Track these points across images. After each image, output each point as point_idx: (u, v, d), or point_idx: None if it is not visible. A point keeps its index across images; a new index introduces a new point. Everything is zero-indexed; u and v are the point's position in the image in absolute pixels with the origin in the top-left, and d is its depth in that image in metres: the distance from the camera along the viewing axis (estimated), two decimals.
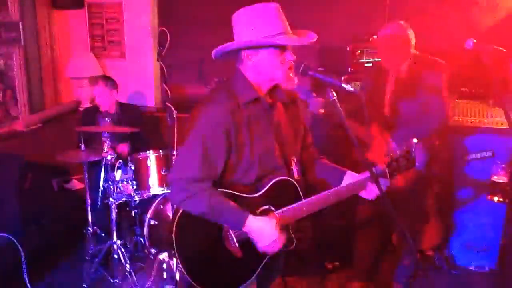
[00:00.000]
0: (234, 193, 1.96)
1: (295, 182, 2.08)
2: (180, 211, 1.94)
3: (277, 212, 2.00)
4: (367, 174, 2.08)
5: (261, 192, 2.00)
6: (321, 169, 2.26)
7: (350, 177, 2.14)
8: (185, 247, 1.94)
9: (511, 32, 4.17)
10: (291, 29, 1.97)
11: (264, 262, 2.05)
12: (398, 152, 2.17)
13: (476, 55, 2.52)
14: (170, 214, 3.33)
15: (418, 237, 3.73)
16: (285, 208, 2.01)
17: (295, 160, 2.11)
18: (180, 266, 1.96)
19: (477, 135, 3.56)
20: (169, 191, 3.46)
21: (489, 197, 2.89)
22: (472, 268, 3.78)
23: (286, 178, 2.06)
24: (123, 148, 3.98)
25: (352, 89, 1.85)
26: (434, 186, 3.50)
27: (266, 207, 2.02)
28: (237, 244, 1.97)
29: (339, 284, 3.60)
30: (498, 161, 3.01)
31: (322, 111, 3.18)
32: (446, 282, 3.66)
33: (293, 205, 2.02)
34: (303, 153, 2.23)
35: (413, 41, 3.12)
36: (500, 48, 2.53)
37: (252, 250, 1.99)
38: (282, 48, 1.91)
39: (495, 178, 2.87)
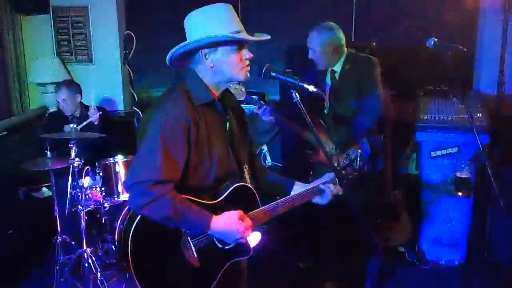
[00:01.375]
0: (194, 200, 1.89)
1: (254, 189, 2.07)
2: (135, 222, 1.83)
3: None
4: (316, 182, 2.16)
5: (221, 198, 1.96)
6: (268, 179, 2.28)
7: (299, 187, 2.19)
8: (142, 262, 1.84)
9: (472, 30, 4.29)
10: (251, 31, 1.96)
11: (223, 269, 2.00)
12: (344, 161, 2.27)
13: (437, 54, 2.57)
14: None
15: (388, 234, 3.78)
16: (254, 212, 2.01)
17: (247, 168, 2.11)
18: (136, 281, 1.85)
19: (443, 132, 3.63)
20: None
21: (454, 192, 2.95)
22: (442, 262, 3.85)
23: (246, 184, 2.04)
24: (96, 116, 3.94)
25: (314, 90, 1.87)
26: (402, 183, 3.56)
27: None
28: (195, 254, 1.92)
29: (312, 283, 3.62)
30: (461, 158, 3.07)
31: (272, 118, 3.21)
32: (417, 277, 3.72)
33: (253, 211, 2.02)
34: (252, 161, 2.23)
35: (343, 41, 3.20)
36: (460, 46, 2.59)
37: (211, 259, 1.96)
38: (240, 45, 1.89)
39: (459, 174, 2.93)
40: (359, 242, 3.22)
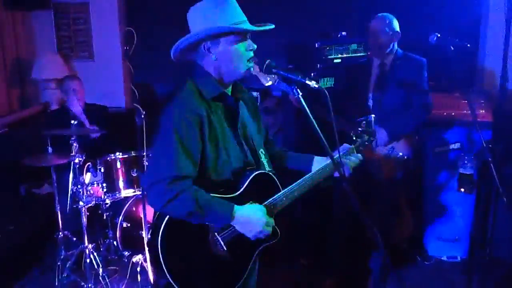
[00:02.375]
0: (215, 196, 1.89)
1: (272, 174, 2.07)
2: (163, 225, 1.82)
3: (266, 204, 2.00)
4: (335, 154, 2.09)
5: (241, 190, 1.96)
6: (288, 159, 2.28)
7: (319, 161, 2.18)
8: (174, 262, 1.84)
9: (475, 25, 4.26)
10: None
11: (254, 256, 2.03)
12: (359, 129, 2.29)
13: (440, 49, 2.56)
14: (142, 216, 3.28)
15: (391, 230, 3.77)
16: (269, 200, 2.01)
17: (264, 153, 2.11)
18: (172, 283, 1.85)
19: (445, 128, 3.62)
20: (139, 192, 3.47)
21: (457, 188, 2.94)
22: (444, 258, 3.84)
23: (263, 171, 2.04)
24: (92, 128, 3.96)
25: (316, 86, 1.85)
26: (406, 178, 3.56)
27: (248, 203, 1.98)
28: (225, 247, 1.92)
29: (314, 279, 3.62)
30: (464, 154, 3.06)
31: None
32: (420, 273, 3.71)
33: (275, 196, 2.03)
34: (268, 146, 2.24)
35: (397, 34, 3.25)
36: (463, 42, 2.58)
37: (241, 249, 1.97)
38: (243, 36, 1.88)
39: (462, 170, 2.92)
40: (362, 238, 3.23)
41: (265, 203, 2.00)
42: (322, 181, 2.14)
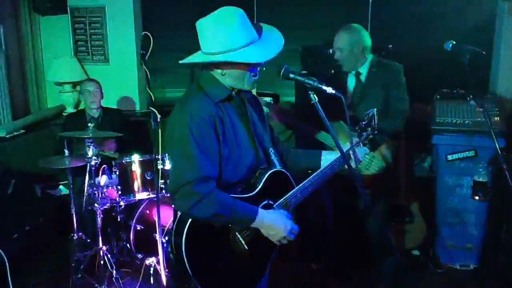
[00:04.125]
0: (232, 196, 1.93)
1: (285, 172, 2.11)
2: (186, 227, 1.85)
3: (277, 203, 2.04)
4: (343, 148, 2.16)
5: (257, 189, 1.99)
6: (296, 157, 2.33)
7: (327, 155, 2.25)
8: (198, 263, 1.88)
9: (489, 33, 4.24)
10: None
11: (275, 251, 2.07)
12: (363, 123, 2.36)
13: (455, 57, 2.56)
14: (155, 219, 3.31)
15: (404, 236, 3.77)
16: (285, 197, 2.05)
17: (273, 151, 2.15)
18: (197, 284, 1.90)
19: (459, 135, 3.60)
20: (153, 195, 3.50)
21: (471, 196, 2.93)
22: (456, 266, 3.81)
23: (278, 169, 2.07)
24: (111, 145, 3.98)
25: (333, 91, 1.87)
26: (418, 186, 3.55)
27: (265, 202, 2.03)
28: (246, 246, 1.96)
29: (325, 284, 3.62)
30: (479, 161, 3.05)
31: (278, 119, 3.39)
32: (431, 281, 3.69)
33: (290, 193, 2.07)
34: (276, 144, 2.28)
35: (368, 43, 3.22)
36: (478, 49, 2.58)
37: (262, 245, 2.01)
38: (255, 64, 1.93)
39: (476, 178, 2.91)
40: (374, 243, 3.23)
41: (280, 200, 2.04)
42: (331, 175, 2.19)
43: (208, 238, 1.91)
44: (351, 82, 3.34)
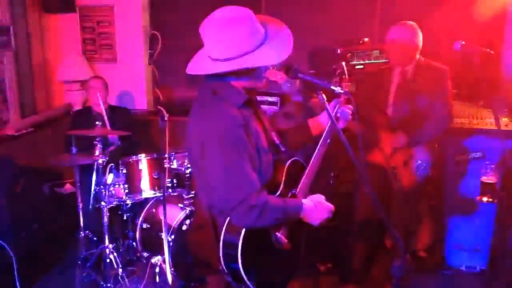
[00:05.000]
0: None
1: (297, 158, 2.13)
2: (240, 241, 1.87)
3: (299, 190, 2.08)
4: (328, 109, 2.11)
5: (281, 187, 2.02)
6: (289, 135, 2.32)
7: (313, 122, 2.26)
8: (255, 272, 1.92)
9: (499, 33, 4.21)
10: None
11: (304, 242, 2.15)
12: (337, 71, 2.25)
13: (464, 57, 2.55)
14: (162, 218, 3.31)
15: (411, 238, 3.75)
16: (302, 180, 2.09)
17: (275, 135, 2.15)
18: None
19: (467, 136, 3.58)
20: (160, 194, 3.50)
21: (478, 197, 2.91)
22: (463, 268, 3.80)
23: (291, 160, 2.09)
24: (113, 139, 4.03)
25: (341, 91, 1.87)
26: (427, 187, 3.54)
27: (290, 194, 2.07)
28: (286, 240, 2.02)
29: (331, 285, 3.60)
30: (487, 162, 3.03)
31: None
32: (438, 282, 3.68)
33: (305, 173, 2.11)
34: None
35: (420, 44, 3.22)
36: (488, 49, 2.56)
37: (298, 234, 2.09)
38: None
39: (484, 179, 2.89)
40: (383, 244, 3.22)
41: (299, 185, 2.09)
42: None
43: (258, 245, 1.95)
44: (395, 80, 3.34)
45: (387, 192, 3.29)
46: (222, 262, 1.93)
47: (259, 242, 1.95)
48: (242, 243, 1.86)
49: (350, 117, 2.22)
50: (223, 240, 1.93)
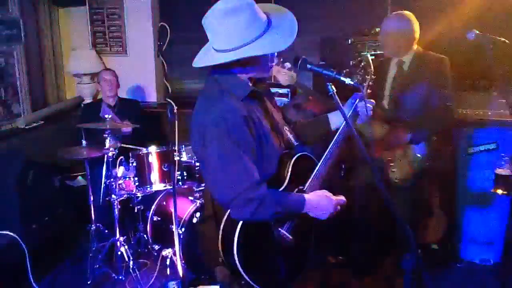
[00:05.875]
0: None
1: (306, 153, 2.10)
2: (236, 234, 1.86)
3: (308, 186, 2.05)
4: (349, 106, 2.16)
5: (287, 181, 1.99)
6: (304, 128, 2.29)
7: (333, 116, 2.21)
8: (252, 266, 1.91)
9: None
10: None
11: (313, 238, 2.13)
12: (359, 72, 2.24)
13: (478, 46, 2.49)
14: (172, 210, 3.31)
15: (423, 230, 3.71)
16: (312, 177, 2.06)
17: (288, 129, 2.13)
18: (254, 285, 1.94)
19: (481, 128, 3.53)
20: (170, 187, 3.50)
21: (493, 190, 2.85)
22: (476, 261, 3.76)
23: (298, 154, 2.06)
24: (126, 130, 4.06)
25: (351, 82, 1.84)
26: (438, 179, 3.48)
27: (296, 189, 2.04)
28: (290, 236, 2.00)
29: (342, 278, 3.59)
30: (502, 154, 2.97)
31: None
32: (451, 275, 3.64)
33: (315, 171, 2.07)
34: (287, 123, 2.25)
35: (417, 35, 3.11)
36: (503, 39, 2.51)
37: (302, 230, 2.06)
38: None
39: (498, 171, 2.83)
40: (394, 237, 3.19)
41: (308, 182, 2.06)
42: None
43: (257, 239, 1.93)
44: (392, 71, 3.25)
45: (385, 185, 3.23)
46: (221, 254, 1.94)
47: (258, 237, 1.92)
48: (238, 237, 1.85)
49: (371, 112, 2.16)
50: (221, 233, 1.94)
